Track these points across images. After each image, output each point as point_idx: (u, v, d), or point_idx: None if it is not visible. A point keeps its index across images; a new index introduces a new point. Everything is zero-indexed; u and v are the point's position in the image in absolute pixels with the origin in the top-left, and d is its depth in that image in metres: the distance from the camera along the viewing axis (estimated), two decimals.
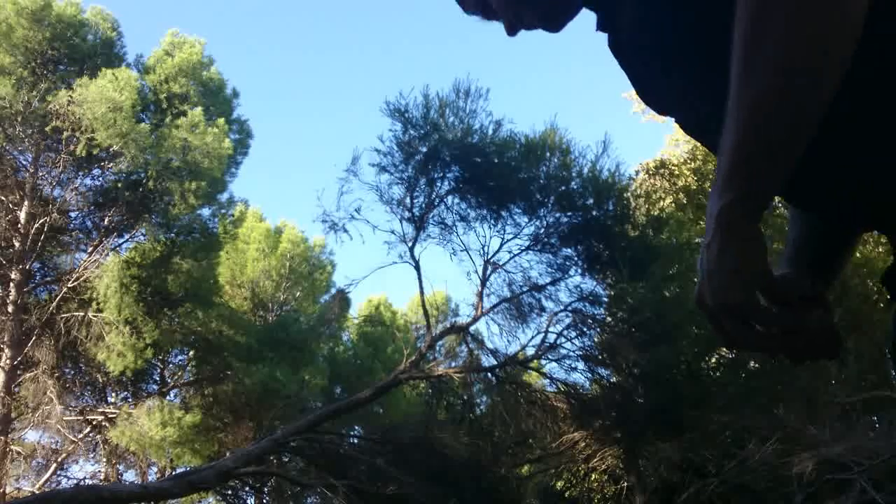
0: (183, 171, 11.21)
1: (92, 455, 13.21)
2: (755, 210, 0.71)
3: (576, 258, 8.69)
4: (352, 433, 11.82)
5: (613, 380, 8.56)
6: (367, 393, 8.62)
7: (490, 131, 8.33)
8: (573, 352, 8.38)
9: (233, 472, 7.11)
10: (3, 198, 11.33)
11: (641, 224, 8.94)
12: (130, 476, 13.96)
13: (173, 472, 11.20)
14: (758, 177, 0.70)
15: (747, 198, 0.70)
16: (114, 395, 13.34)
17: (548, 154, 8.50)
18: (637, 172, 11.78)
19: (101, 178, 12.09)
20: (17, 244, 11.37)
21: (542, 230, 8.55)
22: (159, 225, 11.78)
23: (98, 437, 12.43)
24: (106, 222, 11.89)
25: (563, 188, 8.44)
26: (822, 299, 0.82)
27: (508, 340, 10.95)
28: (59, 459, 12.55)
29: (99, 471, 13.33)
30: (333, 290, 17.66)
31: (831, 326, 0.79)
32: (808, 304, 0.80)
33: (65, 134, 10.72)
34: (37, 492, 10.93)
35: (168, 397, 13.12)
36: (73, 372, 12.62)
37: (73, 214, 12.24)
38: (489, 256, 8.59)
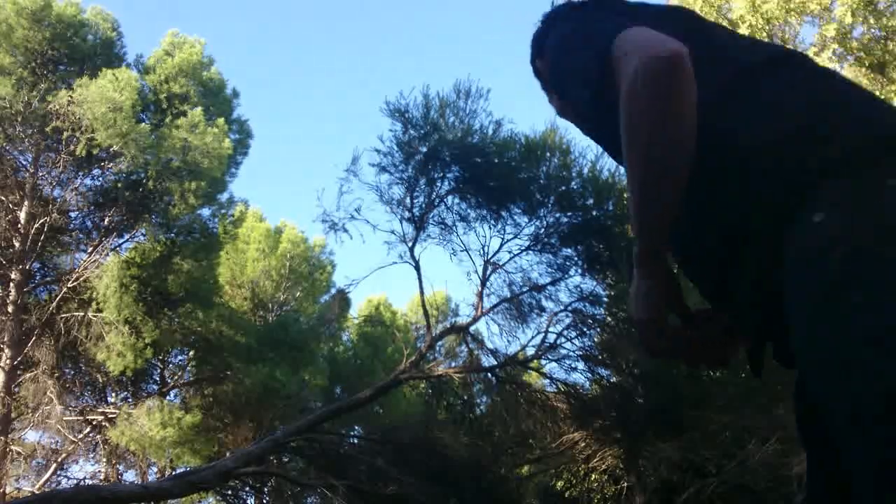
0: (183, 171, 11.21)
1: (92, 455, 13.24)
2: (658, 253, 1.02)
3: (576, 258, 8.67)
4: (352, 433, 11.81)
5: (613, 380, 8.55)
6: (367, 393, 8.60)
7: (490, 131, 8.30)
8: (573, 352, 8.37)
9: (233, 472, 7.11)
10: (3, 198, 11.34)
11: None
12: (130, 476, 13.98)
13: (173, 472, 11.21)
14: (650, 235, 1.01)
15: (650, 247, 1.02)
16: (114, 395, 13.34)
17: (548, 154, 8.47)
18: None
19: (101, 178, 12.10)
20: (17, 244, 11.37)
21: (542, 230, 8.53)
22: (159, 225, 11.78)
23: (98, 437, 12.44)
24: (106, 222, 11.89)
25: (563, 188, 8.42)
26: (733, 330, 1.09)
27: (508, 340, 10.95)
28: (59, 459, 12.56)
29: (99, 471, 13.34)
30: (333, 290, 17.66)
31: (733, 345, 1.09)
32: (716, 327, 1.09)
33: (65, 134, 10.72)
34: (37, 492, 10.94)
35: (168, 397, 13.13)
36: (73, 372, 12.62)
37: (73, 214, 12.24)
38: (489, 256, 8.58)
